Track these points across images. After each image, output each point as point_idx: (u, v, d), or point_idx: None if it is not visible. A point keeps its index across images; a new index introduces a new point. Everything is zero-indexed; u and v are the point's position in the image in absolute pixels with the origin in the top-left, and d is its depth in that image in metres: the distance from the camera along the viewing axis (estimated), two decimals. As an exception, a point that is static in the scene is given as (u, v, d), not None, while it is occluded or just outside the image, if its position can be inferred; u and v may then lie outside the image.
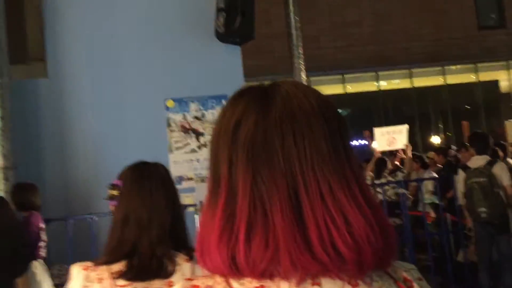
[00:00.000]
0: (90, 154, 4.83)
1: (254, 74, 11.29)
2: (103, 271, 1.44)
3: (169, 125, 5.01)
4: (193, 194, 4.81)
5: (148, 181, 1.53)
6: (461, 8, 16.28)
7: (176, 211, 1.56)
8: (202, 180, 4.97)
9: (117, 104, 4.92)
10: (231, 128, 0.67)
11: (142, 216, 1.48)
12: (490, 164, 4.52)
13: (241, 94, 0.71)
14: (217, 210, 0.65)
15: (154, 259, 1.46)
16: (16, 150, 4.40)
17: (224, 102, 5.44)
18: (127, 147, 4.68)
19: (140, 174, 1.55)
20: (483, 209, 4.45)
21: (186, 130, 5.03)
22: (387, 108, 15.57)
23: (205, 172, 4.97)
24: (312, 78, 14.27)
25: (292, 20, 12.24)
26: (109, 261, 1.46)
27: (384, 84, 15.77)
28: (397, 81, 16.08)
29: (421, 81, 15.78)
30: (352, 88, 15.62)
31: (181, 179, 4.96)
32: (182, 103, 5.05)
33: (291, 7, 11.49)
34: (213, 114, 5.05)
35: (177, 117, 5.03)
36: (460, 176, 4.75)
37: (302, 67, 12.25)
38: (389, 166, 6.41)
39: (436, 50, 15.47)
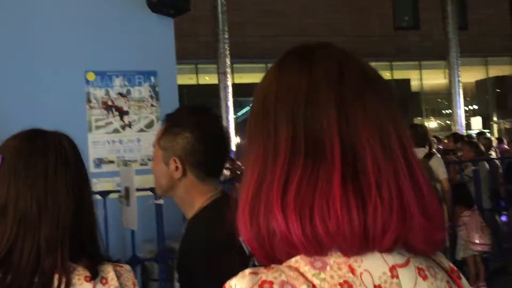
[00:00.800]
0: (-6, 129, 4.17)
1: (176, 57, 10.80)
2: None
3: (89, 100, 4.47)
4: (114, 179, 4.33)
5: (42, 157, 1.05)
6: (380, 8, 16.80)
7: (83, 202, 1.08)
8: (125, 164, 4.49)
9: (27, 75, 4.29)
10: (335, 79, 0.62)
11: (27, 208, 1.02)
12: (427, 157, 4.49)
13: (311, 53, 0.67)
14: (333, 177, 0.57)
15: (37, 276, 0.99)
16: None
17: (153, 79, 5.01)
18: (38, 125, 4.11)
19: (31, 146, 1.07)
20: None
21: (108, 107, 4.51)
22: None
23: (128, 156, 4.51)
24: (235, 65, 14.02)
25: (219, 4, 11.90)
26: None
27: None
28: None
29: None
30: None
31: (100, 161, 4.45)
32: (105, 77, 4.52)
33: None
34: (139, 91, 4.57)
35: (98, 93, 4.50)
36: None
37: (227, 52, 11.99)
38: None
39: (355, 47, 15.81)
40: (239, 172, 7.10)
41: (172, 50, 4.70)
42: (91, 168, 4.27)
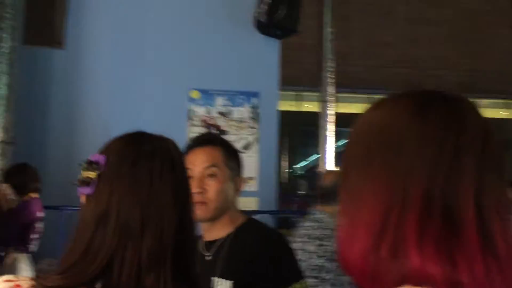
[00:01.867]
0: (99, 139, 4.29)
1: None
2: None
3: (190, 118, 4.51)
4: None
5: (149, 162, 0.94)
6: (498, 42, 15.73)
7: (185, 215, 0.95)
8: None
9: (135, 88, 4.43)
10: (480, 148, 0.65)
11: (130, 216, 0.90)
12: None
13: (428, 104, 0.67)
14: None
15: None
16: (19, 124, 3.92)
17: (255, 101, 4.97)
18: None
19: (137, 149, 0.96)
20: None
21: (208, 125, 4.51)
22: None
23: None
24: (339, 95, 13.77)
25: (327, 32, 11.81)
26: (62, 286, 0.85)
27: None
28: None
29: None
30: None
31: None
32: (208, 95, 4.54)
33: (326, 19, 11.04)
34: (240, 112, 4.52)
35: (200, 110, 4.52)
36: None
37: (329, 81, 11.80)
38: None
39: (470, 81, 14.90)
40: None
41: (276, 72, 4.62)
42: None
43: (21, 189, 3.47)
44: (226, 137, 4.56)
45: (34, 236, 3.50)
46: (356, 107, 15.22)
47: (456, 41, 15.28)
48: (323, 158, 7.36)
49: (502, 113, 15.95)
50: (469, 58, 15.08)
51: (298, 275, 1.37)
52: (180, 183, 0.96)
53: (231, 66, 4.52)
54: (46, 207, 3.75)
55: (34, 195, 3.52)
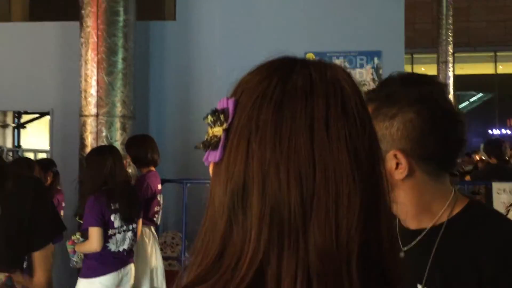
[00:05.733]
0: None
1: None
2: None
3: (307, 84, 4.21)
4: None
5: (305, 105, 0.57)
6: None
7: (375, 189, 0.57)
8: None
9: (249, 54, 4.21)
10: None
11: (283, 193, 0.55)
12: None
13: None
14: None
15: None
16: (137, 98, 3.89)
17: (377, 61, 4.54)
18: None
19: (284, 82, 0.59)
20: None
21: (326, 91, 4.19)
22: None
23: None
24: (458, 55, 12.65)
25: (443, -13, 10.79)
26: None
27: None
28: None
29: None
30: (504, 68, 13.64)
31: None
32: (324, 58, 4.19)
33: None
34: (360, 73, 4.14)
35: (317, 75, 4.21)
36: None
37: (450, 40, 10.83)
38: None
39: None
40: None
41: (401, 28, 4.16)
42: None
43: (140, 161, 3.43)
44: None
45: (156, 209, 3.46)
46: (475, 68, 13.90)
47: None
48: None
49: None
50: None
51: None
52: (362, 138, 0.58)
53: (350, 25, 4.13)
54: (165, 180, 3.70)
55: (152, 168, 3.46)
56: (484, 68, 13.27)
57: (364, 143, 0.57)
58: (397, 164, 0.95)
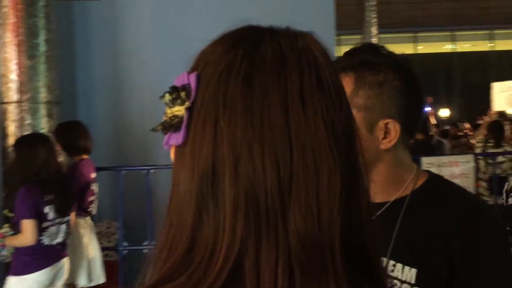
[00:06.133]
0: (149, 93, 4.05)
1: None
2: None
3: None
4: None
5: (277, 77, 0.50)
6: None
7: (353, 168, 0.52)
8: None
9: (179, 34, 4.09)
10: None
11: (258, 179, 0.48)
12: None
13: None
14: None
15: None
16: (62, 82, 3.66)
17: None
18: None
19: (252, 53, 0.51)
20: None
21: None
22: (462, 72, 14.21)
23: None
24: (381, 36, 13.08)
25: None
26: None
27: (458, 46, 14.37)
28: (471, 43, 14.63)
29: (502, 44, 14.27)
30: (423, 48, 14.29)
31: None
32: (258, 38, 4.17)
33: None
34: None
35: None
36: None
37: (374, 22, 11.17)
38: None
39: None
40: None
41: (331, 10, 4.20)
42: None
43: (72, 149, 3.25)
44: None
45: (91, 198, 3.30)
46: (397, 48, 14.47)
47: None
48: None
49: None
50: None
51: None
52: (339, 111, 0.52)
53: (281, 8, 4.11)
54: (100, 168, 3.54)
55: (85, 155, 3.29)
56: (405, 48, 13.88)
57: (340, 118, 0.52)
58: (385, 134, 0.93)
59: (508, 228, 2.75)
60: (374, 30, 11.01)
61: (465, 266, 0.86)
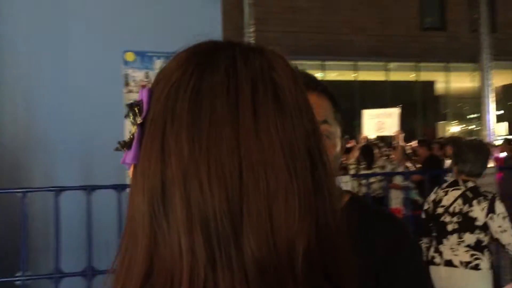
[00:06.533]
0: (22, 113, 3.75)
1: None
2: None
3: (126, 83, 4.04)
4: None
5: (226, 94, 0.48)
6: (405, 7, 16.36)
7: (321, 192, 0.50)
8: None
9: (60, 52, 3.88)
10: None
11: (207, 200, 0.46)
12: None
13: None
14: None
15: None
16: None
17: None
18: (71, 106, 3.72)
19: (202, 68, 0.50)
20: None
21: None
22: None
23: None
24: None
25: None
26: None
27: (328, 75, 15.48)
28: (337, 72, 15.87)
29: (365, 75, 15.66)
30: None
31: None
32: (145, 58, 4.09)
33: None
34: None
35: (137, 75, 4.07)
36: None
37: (252, 47, 11.60)
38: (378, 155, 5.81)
39: (378, 46, 15.39)
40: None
41: (219, 31, 4.27)
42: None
43: None
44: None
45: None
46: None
47: (367, 7, 15.61)
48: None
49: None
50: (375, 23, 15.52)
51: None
52: (298, 127, 0.49)
53: (171, 27, 4.09)
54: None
55: None
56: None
57: (300, 134, 0.49)
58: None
59: (434, 234, 3.00)
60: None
61: (386, 281, 0.93)
